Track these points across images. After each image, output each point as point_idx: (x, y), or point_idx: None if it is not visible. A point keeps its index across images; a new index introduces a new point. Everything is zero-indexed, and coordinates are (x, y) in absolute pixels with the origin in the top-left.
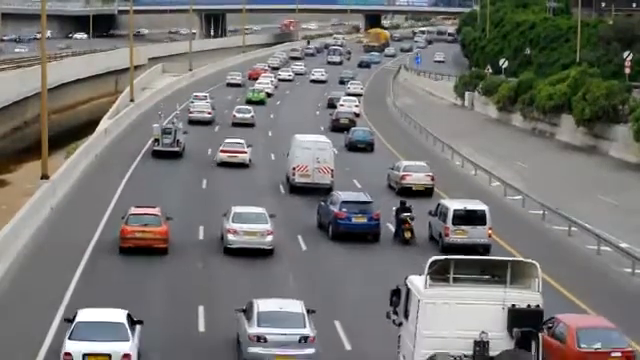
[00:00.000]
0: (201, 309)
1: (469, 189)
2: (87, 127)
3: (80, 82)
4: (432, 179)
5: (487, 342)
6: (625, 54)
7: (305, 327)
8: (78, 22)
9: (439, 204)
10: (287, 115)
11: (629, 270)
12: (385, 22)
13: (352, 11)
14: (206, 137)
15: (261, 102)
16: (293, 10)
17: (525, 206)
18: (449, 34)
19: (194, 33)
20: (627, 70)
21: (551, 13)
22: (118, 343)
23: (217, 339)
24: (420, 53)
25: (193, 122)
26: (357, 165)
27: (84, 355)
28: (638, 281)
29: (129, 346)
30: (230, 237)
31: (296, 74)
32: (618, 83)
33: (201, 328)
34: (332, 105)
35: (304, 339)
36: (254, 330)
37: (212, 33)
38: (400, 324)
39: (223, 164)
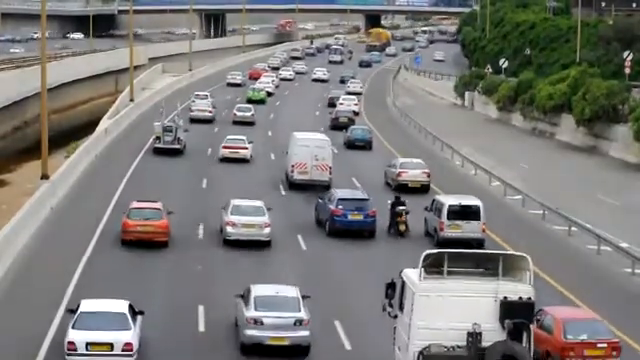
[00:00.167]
0: (201, 309)
1: (469, 189)
2: (87, 127)
3: (80, 82)
4: (428, 176)
5: (480, 333)
6: (625, 54)
7: (300, 311)
8: (78, 22)
9: (434, 200)
10: (287, 115)
11: (629, 270)
12: (385, 22)
13: (352, 11)
14: (207, 135)
15: (261, 101)
16: (293, 10)
17: (525, 206)
18: (451, 34)
19: (194, 33)
20: (627, 70)
21: (551, 13)
22: (120, 332)
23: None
24: (420, 53)
25: (194, 120)
26: (355, 163)
27: (87, 344)
28: (638, 281)
29: (131, 335)
30: (229, 229)
31: (297, 73)
32: (618, 83)
33: (201, 328)
34: (332, 104)
35: (299, 322)
36: (251, 314)
37: (212, 33)
38: (395, 316)
39: (225, 160)
